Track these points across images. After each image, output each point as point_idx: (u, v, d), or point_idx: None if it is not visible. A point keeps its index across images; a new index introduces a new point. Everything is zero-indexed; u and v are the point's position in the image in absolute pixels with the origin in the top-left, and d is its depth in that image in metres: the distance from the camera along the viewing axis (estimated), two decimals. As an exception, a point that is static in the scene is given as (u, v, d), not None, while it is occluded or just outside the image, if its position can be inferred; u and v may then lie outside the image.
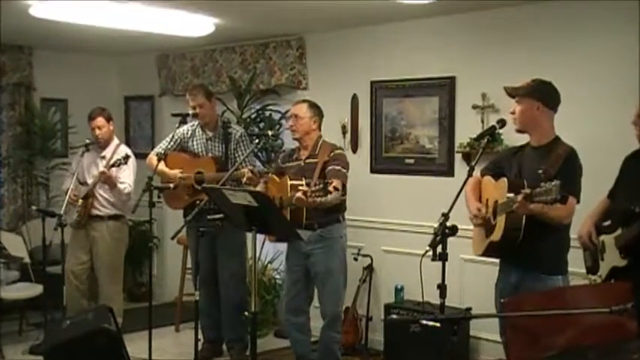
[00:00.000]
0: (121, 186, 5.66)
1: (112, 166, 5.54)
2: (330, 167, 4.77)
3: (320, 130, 5.01)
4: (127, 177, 5.71)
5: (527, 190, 3.27)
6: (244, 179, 5.04)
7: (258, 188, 4.89)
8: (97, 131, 5.79)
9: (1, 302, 6.20)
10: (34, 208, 6.66)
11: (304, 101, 5.08)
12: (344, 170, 4.79)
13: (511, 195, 3.43)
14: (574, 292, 3.43)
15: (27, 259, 6.37)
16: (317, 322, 5.05)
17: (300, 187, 4.50)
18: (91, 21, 5.63)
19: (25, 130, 7.32)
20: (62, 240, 5.54)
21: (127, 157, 5.52)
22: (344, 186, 4.76)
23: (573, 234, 3.77)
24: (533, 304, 3.16)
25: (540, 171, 3.28)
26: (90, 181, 5.75)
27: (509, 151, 4.01)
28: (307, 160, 4.90)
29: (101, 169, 5.63)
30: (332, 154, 4.85)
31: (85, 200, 5.70)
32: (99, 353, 4.44)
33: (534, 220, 3.45)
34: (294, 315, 5.02)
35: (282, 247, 5.22)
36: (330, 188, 4.34)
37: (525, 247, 3.52)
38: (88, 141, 5.85)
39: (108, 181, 5.61)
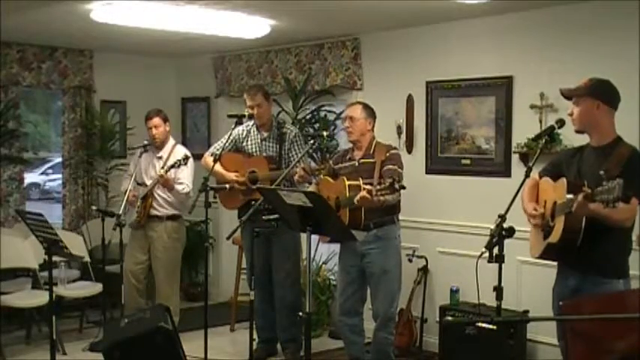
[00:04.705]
0: (179, 187, 5.73)
1: (172, 167, 5.62)
2: (386, 167, 4.77)
3: (373, 130, 5.01)
4: (185, 177, 5.77)
5: (588, 190, 3.19)
6: (296, 177, 5.06)
7: (310, 189, 4.90)
8: (154, 130, 5.87)
9: (62, 300, 6.35)
10: (93, 208, 6.79)
11: (358, 103, 5.10)
12: (400, 170, 4.79)
13: (570, 196, 3.35)
14: (635, 296, 3.34)
15: (87, 258, 6.49)
16: (370, 323, 5.03)
17: (365, 187, 4.49)
18: (150, 24, 5.73)
19: (86, 131, 7.48)
20: (121, 239, 5.65)
21: (186, 158, 5.58)
22: (400, 186, 4.75)
23: (635, 236, 3.67)
24: (593, 307, 3.09)
25: (602, 172, 3.18)
26: (148, 181, 5.84)
27: (569, 152, 3.91)
28: (362, 161, 4.90)
29: (159, 170, 5.71)
30: (388, 154, 4.85)
31: (144, 201, 5.79)
32: (156, 351, 4.51)
33: (595, 222, 3.35)
34: (349, 316, 5.01)
35: (337, 247, 5.22)
36: (397, 186, 4.31)
37: (585, 249, 3.43)
38: (145, 142, 5.94)
39: (166, 184, 5.69)
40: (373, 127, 5.01)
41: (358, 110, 4.96)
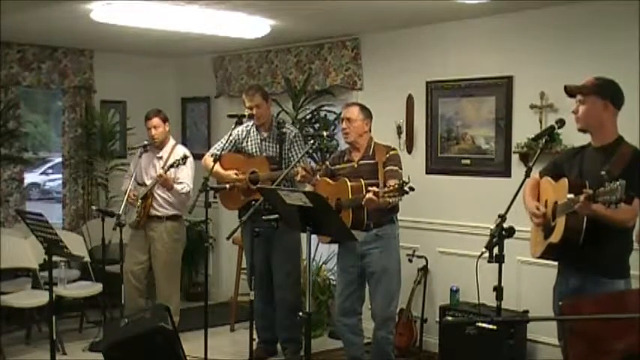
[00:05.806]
0: (179, 186, 5.73)
1: (171, 167, 5.62)
2: (387, 168, 4.77)
3: (370, 131, 5.00)
4: (185, 177, 5.77)
5: (590, 191, 3.18)
6: (298, 177, 5.06)
7: (308, 189, 4.90)
8: (153, 131, 5.87)
9: (62, 300, 6.35)
10: (94, 208, 6.80)
11: (355, 104, 5.10)
12: (401, 171, 4.79)
13: (571, 196, 3.34)
14: (635, 296, 3.34)
15: (87, 258, 6.49)
16: (370, 323, 5.03)
17: (371, 188, 4.49)
18: (150, 24, 5.73)
19: (86, 131, 7.48)
20: (121, 239, 5.65)
21: (185, 158, 5.59)
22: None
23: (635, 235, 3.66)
24: (593, 307, 3.08)
25: (603, 172, 3.17)
26: (148, 181, 5.84)
27: (570, 151, 3.90)
28: (360, 162, 4.89)
29: (159, 170, 5.71)
30: (388, 155, 4.85)
31: (144, 201, 5.79)
32: (156, 351, 4.51)
33: (596, 222, 3.34)
34: (347, 316, 5.01)
35: (337, 247, 5.21)
36: (407, 188, 4.30)
37: (586, 249, 3.42)
38: (146, 142, 5.94)
39: (165, 183, 5.69)
40: (370, 127, 5.01)
41: (355, 111, 4.96)
